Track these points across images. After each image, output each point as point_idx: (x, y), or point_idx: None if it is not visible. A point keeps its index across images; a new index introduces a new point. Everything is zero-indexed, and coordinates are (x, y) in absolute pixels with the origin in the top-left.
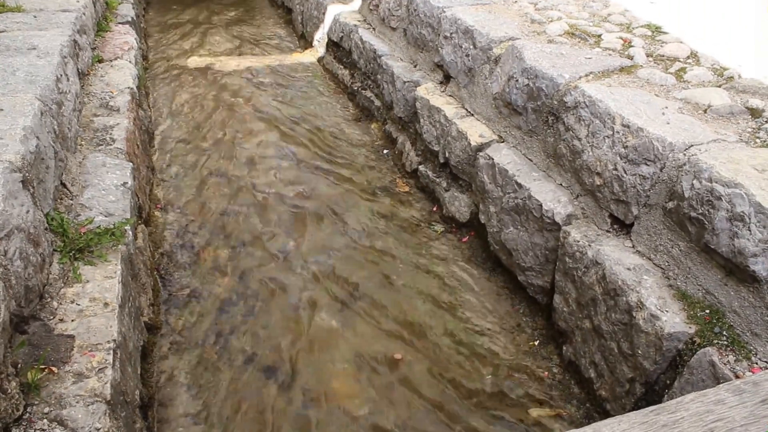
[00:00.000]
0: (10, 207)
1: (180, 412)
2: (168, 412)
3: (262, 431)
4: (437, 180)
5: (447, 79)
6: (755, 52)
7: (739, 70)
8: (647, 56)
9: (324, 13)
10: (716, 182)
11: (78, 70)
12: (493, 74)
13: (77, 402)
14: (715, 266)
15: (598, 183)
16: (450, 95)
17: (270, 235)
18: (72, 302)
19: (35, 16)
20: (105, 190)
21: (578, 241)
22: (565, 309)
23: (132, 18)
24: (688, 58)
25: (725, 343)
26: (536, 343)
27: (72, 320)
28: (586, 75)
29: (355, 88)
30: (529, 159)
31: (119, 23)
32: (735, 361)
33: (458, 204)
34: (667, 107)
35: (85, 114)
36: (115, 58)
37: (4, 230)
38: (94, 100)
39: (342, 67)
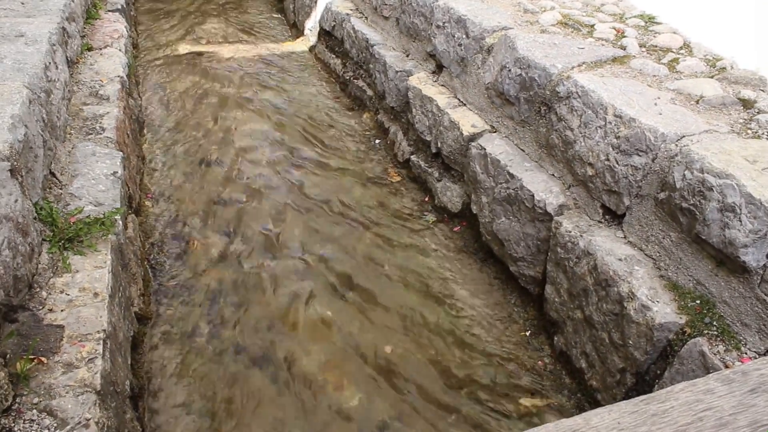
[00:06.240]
0: None
1: (170, 403)
2: (158, 402)
3: (253, 421)
4: (429, 170)
5: (439, 68)
6: (755, 41)
7: (732, 60)
8: (640, 46)
9: (316, 2)
10: (708, 173)
11: (67, 58)
12: (485, 64)
13: (67, 392)
14: (706, 257)
15: (590, 173)
16: (442, 85)
17: (261, 225)
18: (61, 292)
19: (23, 3)
20: (95, 179)
21: (570, 232)
22: (556, 299)
23: (122, 5)
24: (681, 48)
25: (715, 333)
26: (528, 333)
27: (61, 310)
28: (579, 65)
29: (347, 78)
30: (522, 149)
31: (109, 11)
32: (725, 351)
33: (450, 194)
34: (659, 98)
35: (75, 103)
36: (105, 46)
37: None
38: (84, 89)
39: (334, 56)
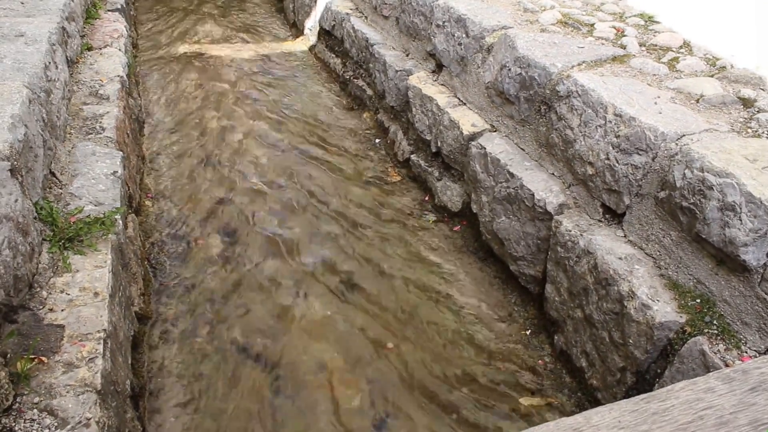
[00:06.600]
0: None
1: (171, 402)
2: (159, 401)
3: (254, 421)
4: (429, 169)
5: (439, 68)
6: (755, 40)
7: (732, 59)
8: (640, 45)
9: (315, 1)
10: (708, 172)
11: (67, 57)
12: (485, 63)
13: (67, 392)
14: (707, 256)
15: (590, 172)
16: (442, 84)
17: (261, 224)
18: (62, 292)
19: (23, 2)
20: (95, 179)
21: (570, 231)
22: (556, 298)
23: (121, 5)
24: (680, 47)
25: (716, 332)
26: (528, 332)
27: (62, 310)
28: (579, 64)
29: (347, 77)
30: (522, 148)
31: (109, 10)
32: (725, 350)
33: (450, 193)
34: (659, 97)
35: (75, 102)
36: (105, 46)
37: None
38: (84, 89)
39: (334, 55)
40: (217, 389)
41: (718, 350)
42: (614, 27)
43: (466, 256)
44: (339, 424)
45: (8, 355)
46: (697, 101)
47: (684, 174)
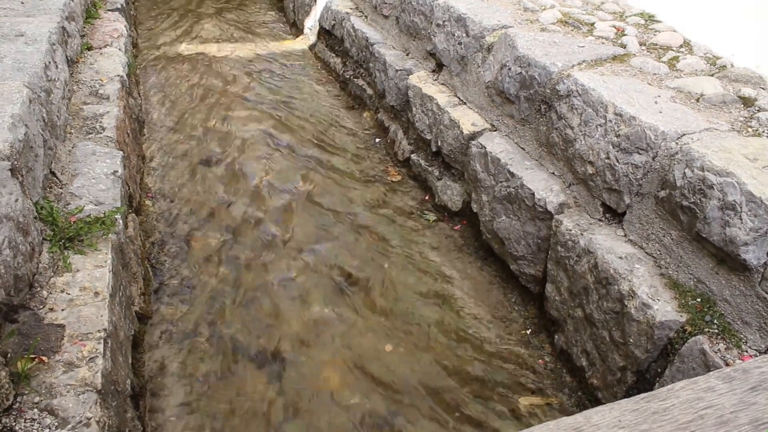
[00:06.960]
0: None
1: (171, 402)
2: (159, 401)
3: (253, 421)
4: (429, 169)
5: (439, 67)
6: (755, 39)
7: (732, 59)
8: (640, 45)
9: (315, 1)
10: (708, 171)
11: (67, 57)
12: (485, 63)
13: (68, 391)
14: (707, 255)
15: (591, 172)
16: (442, 84)
17: (261, 223)
18: (62, 291)
19: (22, 2)
20: (95, 178)
21: (570, 230)
22: (557, 298)
23: (121, 5)
24: (681, 46)
25: (716, 331)
26: (528, 332)
27: (62, 309)
28: (579, 63)
29: (347, 77)
30: (522, 148)
31: (109, 10)
32: (725, 349)
33: (450, 193)
34: (659, 96)
35: (75, 102)
36: (105, 46)
37: None
38: (84, 88)
39: (334, 55)
40: (217, 389)
41: (719, 349)
42: (614, 26)
43: (466, 256)
44: (340, 424)
45: (9, 355)
46: (698, 100)
47: (684, 173)
